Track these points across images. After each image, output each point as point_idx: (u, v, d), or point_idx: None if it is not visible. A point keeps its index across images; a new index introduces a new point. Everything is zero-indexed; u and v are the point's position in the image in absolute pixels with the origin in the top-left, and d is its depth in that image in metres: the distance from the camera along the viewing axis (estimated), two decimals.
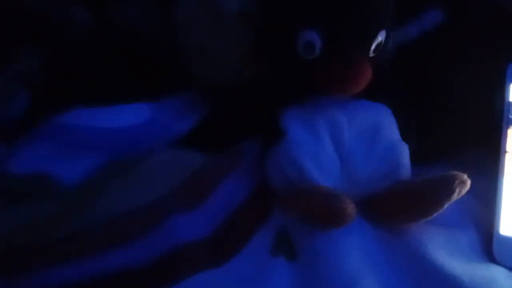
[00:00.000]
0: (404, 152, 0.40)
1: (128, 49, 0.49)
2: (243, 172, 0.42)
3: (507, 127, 0.41)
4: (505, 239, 0.39)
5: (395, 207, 0.39)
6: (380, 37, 0.40)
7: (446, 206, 0.37)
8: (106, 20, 0.50)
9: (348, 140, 0.40)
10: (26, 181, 0.41)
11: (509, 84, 0.42)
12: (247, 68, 0.45)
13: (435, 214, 0.37)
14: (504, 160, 0.41)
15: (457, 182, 0.37)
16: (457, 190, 0.36)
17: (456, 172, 0.37)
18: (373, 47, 0.40)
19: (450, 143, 0.44)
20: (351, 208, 0.37)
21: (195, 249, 0.37)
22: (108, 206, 0.38)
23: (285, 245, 0.39)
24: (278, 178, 0.40)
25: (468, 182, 0.37)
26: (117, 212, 0.38)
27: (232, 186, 0.41)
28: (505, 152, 0.41)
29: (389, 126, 0.41)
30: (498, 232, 0.39)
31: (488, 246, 0.39)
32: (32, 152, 0.42)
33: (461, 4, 0.48)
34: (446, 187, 0.37)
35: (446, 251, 0.37)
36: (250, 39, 0.44)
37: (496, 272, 0.37)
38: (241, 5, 0.44)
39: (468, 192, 0.37)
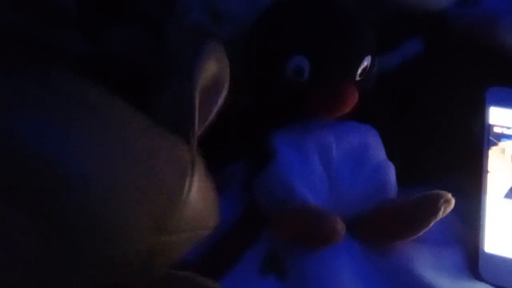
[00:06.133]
0: (391, 171, 0.41)
1: (120, 74, 0.50)
2: (232, 194, 0.42)
3: (488, 148, 0.43)
4: (490, 256, 0.40)
5: (383, 226, 0.39)
6: (366, 62, 0.41)
7: (432, 224, 0.38)
8: (100, 46, 0.51)
9: (337, 160, 0.41)
10: None
11: (488, 107, 0.44)
12: (236, 92, 0.46)
13: (421, 233, 0.38)
14: (486, 179, 0.42)
15: (442, 200, 0.37)
16: (442, 208, 0.37)
17: (440, 191, 0.38)
18: (359, 71, 0.41)
19: (434, 164, 0.45)
20: (340, 226, 0.37)
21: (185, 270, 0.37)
22: None
23: (275, 264, 0.39)
24: (267, 199, 0.40)
25: (453, 201, 0.38)
26: None
27: (222, 208, 0.41)
28: (487, 172, 0.42)
29: (376, 146, 0.42)
30: (483, 250, 0.40)
31: (473, 263, 0.40)
32: None
33: (439, 33, 0.50)
34: (432, 205, 0.38)
35: (433, 269, 0.38)
36: (239, 63, 0.45)
37: None
38: (231, 31, 0.45)
39: (452, 211, 0.38)
